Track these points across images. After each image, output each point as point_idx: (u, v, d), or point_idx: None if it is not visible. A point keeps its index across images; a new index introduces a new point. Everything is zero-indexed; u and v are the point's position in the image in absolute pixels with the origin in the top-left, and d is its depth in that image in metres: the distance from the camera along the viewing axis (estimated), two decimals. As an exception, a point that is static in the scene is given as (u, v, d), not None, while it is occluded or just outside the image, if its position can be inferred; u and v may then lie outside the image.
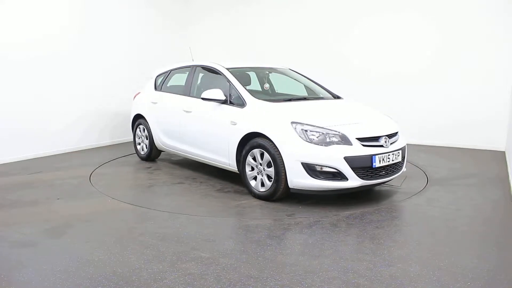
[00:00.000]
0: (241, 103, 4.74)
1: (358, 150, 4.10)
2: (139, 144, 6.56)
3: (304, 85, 5.71)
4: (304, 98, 5.17)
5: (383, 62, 7.81)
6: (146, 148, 6.38)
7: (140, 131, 6.49)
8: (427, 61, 7.44)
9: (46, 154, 6.68)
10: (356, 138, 4.14)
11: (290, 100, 5.01)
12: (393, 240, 3.39)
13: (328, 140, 4.09)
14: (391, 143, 4.37)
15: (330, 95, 5.47)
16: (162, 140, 6.04)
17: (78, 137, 7.24)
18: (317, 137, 4.10)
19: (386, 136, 4.31)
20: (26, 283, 2.69)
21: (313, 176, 4.06)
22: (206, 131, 5.17)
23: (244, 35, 9.17)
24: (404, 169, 4.70)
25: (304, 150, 4.07)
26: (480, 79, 7.01)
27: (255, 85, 5.68)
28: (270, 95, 5.50)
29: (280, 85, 5.91)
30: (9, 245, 3.29)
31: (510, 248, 3.25)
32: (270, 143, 4.27)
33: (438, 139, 7.44)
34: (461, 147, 7.20)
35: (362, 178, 4.10)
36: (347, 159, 4.01)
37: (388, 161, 4.28)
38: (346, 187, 4.09)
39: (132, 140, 6.80)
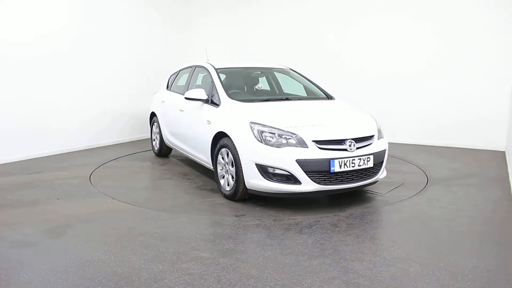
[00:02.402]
0: (218, 103, 4.80)
1: (314, 153, 3.92)
2: (154, 140, 6.83)
3: (301, 84, 5.69)
4: (287, 99, 5.09)
5: (383, 62, 7.81)
6: (159, 144, 6.66)
7: (154, 128, 6.77)
8: (427, 61, 7.44)
9: (46, 154, 6.67)
10: (313, 141, 3.97)
11: (268, 100, 4.95)
12: (393, 240, 3.39)
13: (284, 141, 3.98)
14: (360, 147, 4.11)
15: (324, 95, 5.39)
16: (167, 137, 6.26)
17: (78, 137, 7.23)
18: (272, 138, 4.02)
19: (352, 140, 4.07)
20: (26, 283, 2.69)
21: (267, 178, 4.00)
22: (191, 129, 5.32)
23: (244, 35, 9.17)
24: (381, 175, 4.42)
25: (258, 151, 4.02)
26: (480, 79, 7.01)
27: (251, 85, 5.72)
28: (253, 95, 5.41)
29: (274, 85, 5.93)
30: (9, 245, 3.29)
31: (510, 248, 3.25)
32: (232, 143, 4.27)
33: (438, 139, 7.44)
34: (461, 147, 7.20)
35: (318, 183, 3.92)
36: (300, 162, 3.87)
37: (353, 166, 4.02)
38: (300, 191, 3.94)
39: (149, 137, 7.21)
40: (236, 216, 3.96)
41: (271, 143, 4.00)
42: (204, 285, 2.63)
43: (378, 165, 4.30)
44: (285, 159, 3.90)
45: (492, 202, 4.38)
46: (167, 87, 6.62)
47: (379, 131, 4.55)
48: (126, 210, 4.14)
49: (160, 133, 6.50)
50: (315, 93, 5.45)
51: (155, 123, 6.69)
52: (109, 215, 4.00)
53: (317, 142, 3.98)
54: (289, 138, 3.99)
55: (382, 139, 4.50)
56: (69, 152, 6.97)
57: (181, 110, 5.59)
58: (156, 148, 6.77)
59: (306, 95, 5.48)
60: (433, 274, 2.78)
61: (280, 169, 3.93)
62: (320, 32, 8.34)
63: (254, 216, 3.94)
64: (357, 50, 8.02)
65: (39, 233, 3.53)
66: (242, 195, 4.30)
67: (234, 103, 4.65)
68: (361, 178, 4.16)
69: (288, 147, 3.95)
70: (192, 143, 5.36)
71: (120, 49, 7.93)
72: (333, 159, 3.92)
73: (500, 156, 6.55)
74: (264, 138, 4.04)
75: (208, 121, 4.78)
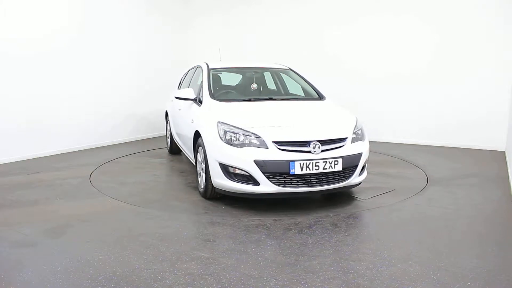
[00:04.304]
0: (202, 102, 4.88)
1: (273, 154, 3.85)
2: (168, 138, 7.06)
3: (298, 84, 5.65)
4: (270, 99, 5.02)
5: (383, 62, 7.82)
6: (170, 142, 6.93)
7: (168, 126, 7.02)
8: (427, 61, 7.44)
9: (45, 154, 6.67)
10: (273, 142, 3.90)
11: (250, 100, 4.91)
12: (393, 240, 3.39)
13: (247, 142, 3.97)
14: (326, 150, 3.95)
15: (317, 95, 5.26)
16: (174, 135, 6.48)
17: (78, 137, 7.23)
18: (235, 138, 4.02)
19: (317, 142, 3.92)
20: (26, 283, 2.69)
21: (229, 177, 4.01)
22: (183, 128, 5.50)
23: (244, 35, 9.17)
24: (354, 179, 4.19)
25: (221, 150, 4.04)
26: (480, 79, 7.01)
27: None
28: (242, 95, 5.33)
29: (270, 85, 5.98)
30: (9, 245, 3.29)
31: (510, 248, 3.25)
32: (203, 142, 4.35)
33: (438, 139, 7.44)
34: (461, 147, 7.20)
35: (278, 185, 3.86)
36: (258, 163, 3.83)
37: (317, 169, 3.87)
38: (259, 192, 3.91)
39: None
40: (196, 214, 4.04)
41: (234, 143, 4.01)
42: (204, 285, 2.63)
43: (350, 169, 4.11)
44: (244, 159, 3.89)
45: (492, 202, 4.38)
46: (179, 86, 6.80)
47: (359, 134, 4.36)
48: (126, 210, 4.14)
49: (170, 131, 6.75)
50: (309, 93, 5.38)
51: (168, 122, 6.95)
52: (109, 215, 4.00)
53: (277, 143, 3.91)
54: (252, 139, 3.98)
55: (360, 141, 4.31)
56: (69, 152, 6.97)
57: (179, 109, 5.75)
58: (168, 146, 7.03)
59: (304, 95, 5.45)
60: (433, 274, 2.78)
61: (239, 169, 3.94)
62: (321, 32, 8.34)
63: (215, 215, 3.96)
64: (357, 50, 8.02)
65: (39, 233, 3.53)
66: (212, 194, 4.34)
67: (213, 102, 4.70)
68: (328, 182, 4.00)
69: (249, 147, 3.94)
70: (183, 141, 5.55)
71: (120, 49, 7.93)
72: (293, 161, 3.83)
73: (500, 156, 6.55)
74: (227, 137, 4.05)
75: (192, 120, 4.88)
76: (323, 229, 3.58)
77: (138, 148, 7.51)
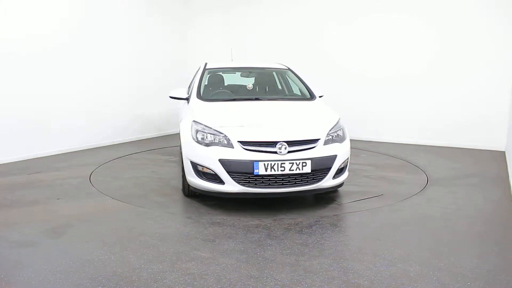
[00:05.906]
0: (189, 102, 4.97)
1: (238, 153, 3.85)
2: None
3: (295, 84, 5.65)
4: (256, 99, 4.95)
5: (383, 62, 7.82)
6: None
7: None
8: (428, 61, 7.44)
9: (45, 154, 6.67)
10: (238, 141, 3.90)
11: (234, 100, 4.91)
12: (393, 240, 3.39)
13: (216, 141, 3.99)
14: (294, 151, 3.86)
15: (309, 95, 5.15)
16: None
17: (78, 137, 7.22)
18: (204, 137, 4.06)
19: (284, 142, 3.84)
20: (26, 283, 2.69)
21: (198, 175, 4.07)
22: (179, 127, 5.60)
23: (244, 35, 9.17)
24: (326, 182, 4.03)
25: (191, 148, 4.10)
26: (480, 79, 7.01)
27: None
28: (233, 95, 5.29)
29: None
30: (9, 245, 3.29)
31: (510, 248, 3.25)
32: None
33: (438, 139, 7.44)
34: (461, 147, 7.20)
35: (243, 185, 3.85)
36: (222, 162, 3.85)
37: (282, 170, 3.80)
38: (223, 191, 3.94)
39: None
40: (168, 213, 4.07)
41: (204, 141, 4.04)
42: (204, 285, 2.63)
43: (322, 171, 3.98)
44: (209, 158, 3.94)
45: (492, 202, 4.38)
46: (189, 86, 6.78)
47: (339, 135, 4.22)
48: (126, 210, 4.14)
49: None
50: (303, 93, 5.33)
51: None
52: (109, 215, 4.00)
53: (242, 142, 3.90)
54: (220, 138, 4.00)
55: (337, 143, 4.14)
56: (69, 152, 6.97)
57: (179, 108, 5.85)
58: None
59: (300, 95, 5.42)
60: (433, 274, 2.78)
61: (206, 167, 3.98)
62: (321, 32, 8.34)
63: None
64: (357, 50, 8.02)
65: (39, 233, 3.53)
66: (189, 192, 4.39)
67: (197, 102, 4.75)
68: (296, 184, 3.91)
69: (216, 146, 3.96)
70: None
71: (120, 48, 7.93)
72: (257, 161, 3.79)
73: (500, 156, 6.55)
74: (199, 136, 4.09)
75: (181, 119, 5.00)
76: (323, 229, 3.58)
77: (147, 147, 7.52)
